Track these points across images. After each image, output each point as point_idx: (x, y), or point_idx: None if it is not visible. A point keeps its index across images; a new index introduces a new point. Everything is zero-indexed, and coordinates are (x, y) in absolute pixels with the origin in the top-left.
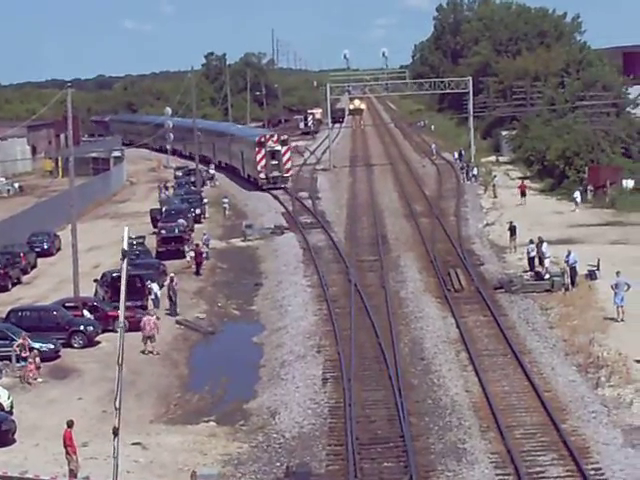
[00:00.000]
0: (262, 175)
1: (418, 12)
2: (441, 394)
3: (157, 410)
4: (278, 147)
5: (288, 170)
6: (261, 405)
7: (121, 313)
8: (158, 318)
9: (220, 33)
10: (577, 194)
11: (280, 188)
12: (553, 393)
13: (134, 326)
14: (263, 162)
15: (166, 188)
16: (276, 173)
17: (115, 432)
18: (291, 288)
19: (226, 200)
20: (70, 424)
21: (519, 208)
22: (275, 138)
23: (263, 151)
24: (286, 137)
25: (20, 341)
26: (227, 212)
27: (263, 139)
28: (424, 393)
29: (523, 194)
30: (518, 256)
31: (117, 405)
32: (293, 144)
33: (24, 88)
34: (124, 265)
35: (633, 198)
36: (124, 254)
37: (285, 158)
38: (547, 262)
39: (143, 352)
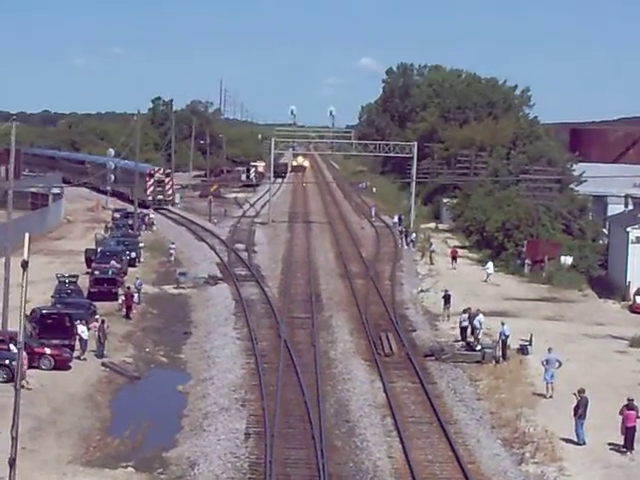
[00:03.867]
0: (150, 198)
1: (368, 74)
2: (363, 458)
3: (76, 451)
4: (163, 178)
5: (170, 195)
6: (181, 455)
7: (20, 336)
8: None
9: (168, 78)
10: (489, 265)
11: (164, 208)
12: (477, 465)
13: (60, 364)
14: (152, 188)
15: (106, 229)
16: (160, 197)
17: (10, 463)
18: (220, 339)
19: (173, 246)
20: None
21: (455, 278)
22: (161, 171)
23: (152, 180)
24: (169, 171)
25: None
26: (172, 258)
27: (152, 171)
28: (346, 456)
29: (454, 259)
30: (451, 325)
31: (14, 434)
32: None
33: None
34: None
35: (570, 275)
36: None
37: (168, 186)
38: (480, 333)
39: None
